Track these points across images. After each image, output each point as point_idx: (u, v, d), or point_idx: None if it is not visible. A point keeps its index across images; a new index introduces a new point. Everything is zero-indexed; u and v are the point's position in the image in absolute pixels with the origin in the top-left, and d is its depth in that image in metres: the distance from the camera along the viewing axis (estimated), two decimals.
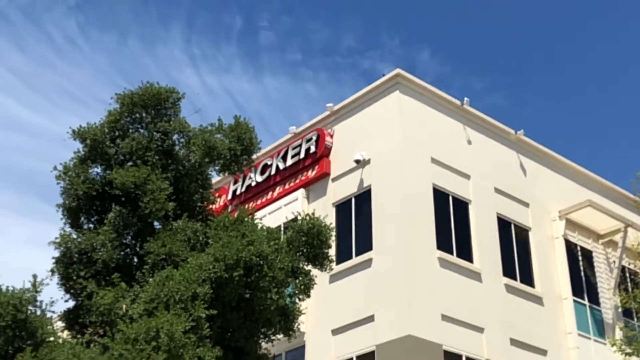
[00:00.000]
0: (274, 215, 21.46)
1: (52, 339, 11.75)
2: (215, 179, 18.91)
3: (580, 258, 22.76)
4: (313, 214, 13.97)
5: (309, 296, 13.96)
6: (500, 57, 69.44)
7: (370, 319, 18.32)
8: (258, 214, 20.00)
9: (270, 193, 22.50)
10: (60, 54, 68.60)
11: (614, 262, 23.40)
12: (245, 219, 13.17)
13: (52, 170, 13.57)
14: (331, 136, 21.52)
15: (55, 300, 12.31)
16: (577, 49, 66.51)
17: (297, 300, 13.71)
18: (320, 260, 13.69)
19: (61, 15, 68.70)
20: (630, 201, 23.20)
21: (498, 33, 68.47)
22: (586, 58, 66.64)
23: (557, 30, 67.05)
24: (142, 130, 14.20)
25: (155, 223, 13.55)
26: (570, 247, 22.57)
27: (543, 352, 20.29)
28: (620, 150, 66.21)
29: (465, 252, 19.76)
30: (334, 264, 15.44)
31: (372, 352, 17.90)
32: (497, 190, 21.53)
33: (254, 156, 14.76)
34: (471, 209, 20.55)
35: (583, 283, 22.37)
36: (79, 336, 12.67)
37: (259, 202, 22.47)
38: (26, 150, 69.53)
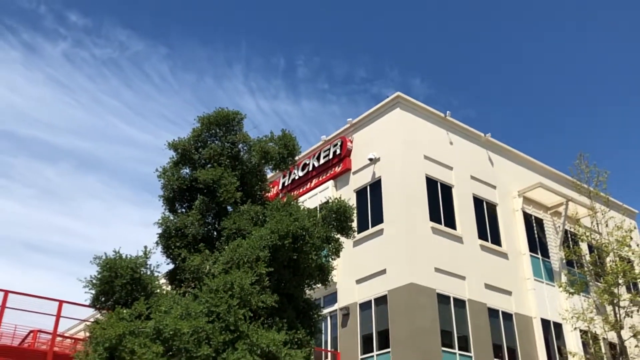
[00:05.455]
0: (312, 199, 21.39)
1: (158, 291, 11.79)
2: (269, 174, 18.86)
3: (534, 224, 22.39)
4: (340, 198, 13.87)
5: (339, 256, 13.84)
6: (471, 82, 68.85)
7: (383, 272, 18.18)
8: (301, 199, 20.06)
9: (309, 184, 22.44)
10: (158, 90, 69.29)
11: (559, 227, 23.04)
12: (292, 203, 13.10)
13: (155, 171, 13.66)
14: (351, 142, 21.38)
15: (159, 263, 12.40)
16: (528, 74, 65.62)
17: (330, 260, 13.61)
18: (346, 231, 13.59)
19: (157, 61, 69.28)
20: (570, 182, 22.81)
21: (470, 65, 67.79)
22: (533, 79, 65.74)
23: (511, 61, 66.18)
24: (216, 142, 14.16)
25: (228, 207, 13.53)
26: (527, 217, 22.22)
27: (509, 293, 20.01)
28: (563, 144, 65.41)
29: (450, 222, 19.53)
30: (356, 233, 15.33)
31: (385, 296, 17.77)
32: (473, 177, 21.24)
33: (297, 158, 14.62)
34: (454, 191, 20.28)
35: (537, 242, 22.04)
36: (177, 289, 12.73)
37: (300, 190, 22.44)
38: (137, 159, 70.54)
